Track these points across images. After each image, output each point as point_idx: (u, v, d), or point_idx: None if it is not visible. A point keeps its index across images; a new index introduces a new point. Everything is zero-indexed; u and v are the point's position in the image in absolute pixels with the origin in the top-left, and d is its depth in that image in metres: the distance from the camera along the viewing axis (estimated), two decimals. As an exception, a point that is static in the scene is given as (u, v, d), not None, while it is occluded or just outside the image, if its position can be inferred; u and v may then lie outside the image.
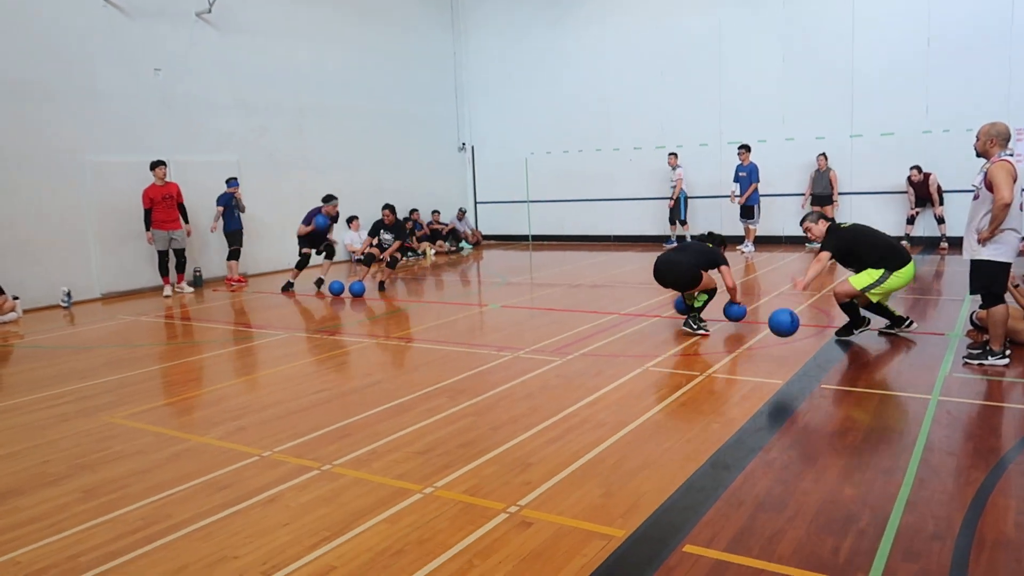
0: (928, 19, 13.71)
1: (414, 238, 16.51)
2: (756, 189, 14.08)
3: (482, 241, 18.69)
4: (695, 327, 7.33)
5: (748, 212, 14.25)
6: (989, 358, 5.78)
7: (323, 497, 3.93)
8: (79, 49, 11.28)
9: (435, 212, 17.53)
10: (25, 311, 10.27)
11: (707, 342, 7.08)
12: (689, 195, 15.87)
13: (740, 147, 14.42)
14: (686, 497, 3.72)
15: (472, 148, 19.17)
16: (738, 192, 14.39)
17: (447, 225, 17.61)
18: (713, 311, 7.91)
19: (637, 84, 16.64)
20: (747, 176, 14.19)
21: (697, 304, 7.37)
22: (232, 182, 12.41)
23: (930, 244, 14.02)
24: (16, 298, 10.08)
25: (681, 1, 16.09)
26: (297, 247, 11.87)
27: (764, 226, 14.85)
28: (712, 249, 7.54)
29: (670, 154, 15.84)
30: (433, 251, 16.32)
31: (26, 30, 10.67)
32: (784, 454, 4.26)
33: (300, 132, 14.75)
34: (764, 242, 15.14)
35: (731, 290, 7.47)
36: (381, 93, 16.55)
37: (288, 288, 11.72)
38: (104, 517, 3.81)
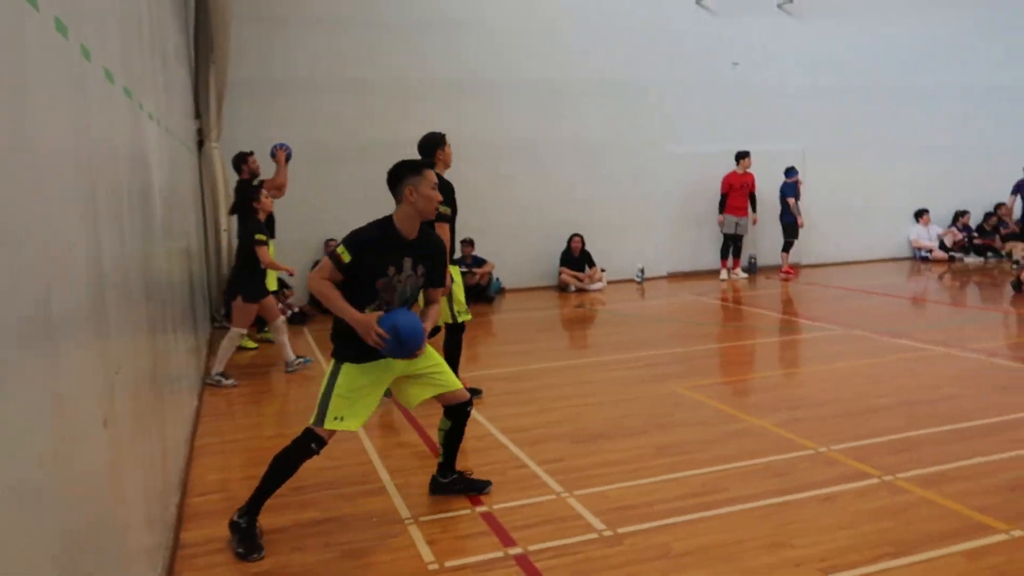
0: None
1: (997, 237, 14.18)
2: None
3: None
4: None
5: None
6: None
7: (885, 509, 3.71)
8: (668, 47, 12.45)
9: (1031, 207, 14.73)
10: (609, 282, 11.99)
11: None
12: None
13: None
14: None
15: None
16: None
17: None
18: None
19: None
20: None
21: None
22: (791, 171, 12.42)
23: None
24: (603, 270, 11.86)
25: None
26: None
27: None
28: None
29: None
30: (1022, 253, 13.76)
31: (625, 32, 12.18)
32: None
33: (870, 116, 13.86)
34: None
35: None
36: (970, 66, 14.33)
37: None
38: (672, 475, 4.25)
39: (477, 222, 11.42)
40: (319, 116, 10.69)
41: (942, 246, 13.92)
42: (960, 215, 14.29)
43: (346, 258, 3.44)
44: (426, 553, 3.41)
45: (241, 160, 8.11)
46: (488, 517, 3.76)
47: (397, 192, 3.58)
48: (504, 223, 11.70)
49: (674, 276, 12.78)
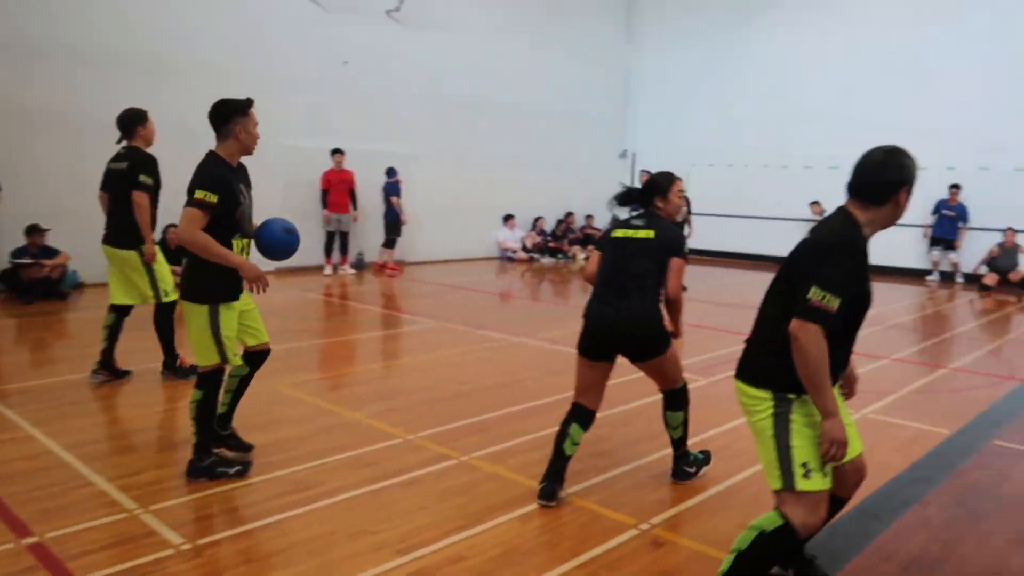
0: None
1: (566, 241, 16.65)
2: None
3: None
4: (693, 471, 4.26)
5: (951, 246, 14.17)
6: None
7: (459, 487, 4.08)
8: (281, 41, 12.19)
9: (589, 217, 17.57)
10: (210, 277, 11.26)
11: (870, 378, 6.64)
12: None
13: (952, 186, 13.88)
14: (829, 543, 3.53)
15: (634, 155, 19.02)
16: (933, 227, 14.26)
17: (600, 231, 17.60)
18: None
19: (818, 99, 15.81)
20: (956, 217, 14.02)
21: (675, 433, 4.17)
22: (392, 172, 13.04)
23: None
24: (204, 265, 11.12)
25: (878, 12, 15.13)
26: None
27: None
28: (662, 240, 3.92)
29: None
30: (584, 255, 16.37)
31: (236, 22, 11.67)
32: (944, 512, 3.96)
33: (472, 127, 15.23)
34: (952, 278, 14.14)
35: (672, 300, 3.98)
36: (552, 92, 16.72)
37: None
38: (264, 476, 4.15)
39: (48, 207, 9.92)
40: None
41: (524, 247, 15.87)
42: (537, 220, 16.47)
43: (212, 198, 3.68)
44: (-53, 604, 2.83)
45: None
46: (37, 549, 3.25)
47: (225, 130, 3.90)
48: (82, 209, 10.26)
49: (282, 272, 12.51)
